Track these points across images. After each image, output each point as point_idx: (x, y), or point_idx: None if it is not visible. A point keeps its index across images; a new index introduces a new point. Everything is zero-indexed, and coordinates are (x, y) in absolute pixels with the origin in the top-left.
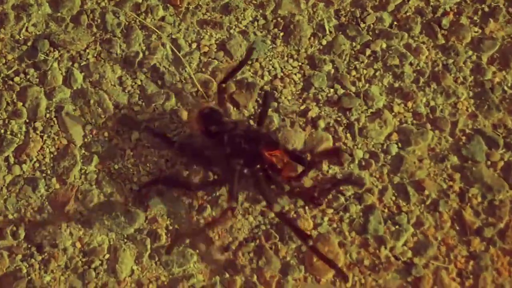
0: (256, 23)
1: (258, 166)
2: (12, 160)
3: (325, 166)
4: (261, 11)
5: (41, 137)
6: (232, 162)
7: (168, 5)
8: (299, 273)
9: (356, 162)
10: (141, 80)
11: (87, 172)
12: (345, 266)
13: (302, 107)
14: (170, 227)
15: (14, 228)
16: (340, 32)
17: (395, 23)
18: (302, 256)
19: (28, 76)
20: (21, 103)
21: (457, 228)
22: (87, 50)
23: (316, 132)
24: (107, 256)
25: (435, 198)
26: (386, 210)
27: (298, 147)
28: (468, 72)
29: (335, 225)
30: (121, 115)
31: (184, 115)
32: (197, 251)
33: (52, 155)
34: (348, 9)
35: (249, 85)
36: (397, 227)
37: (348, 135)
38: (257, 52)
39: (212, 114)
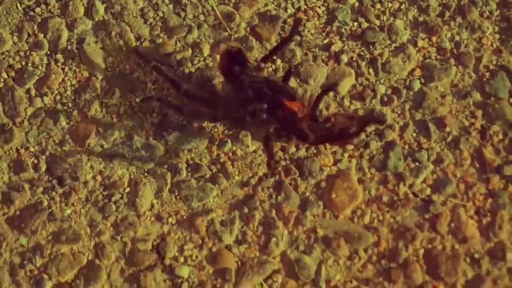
0: None
1: (280, 112)
2: (33, 92)
3: (346, 102)
4: None
5: (63, 69)
6: (253, 106)
7: None
8: (317, 209)
9: (378, 97)
10: (163, 12)
11: (108, 105)
12: (364, 203)
13: (325, 41)
14: (191, 162)
15: (36, 161)
16: None
17: None
18: (321, 192)
19: (49, 7)
20: (42, 35)
21: (477, 165)
22: None
23: (338, 67)
24: (127, 189)
25: (456, 135)
26: (406, 147)
27: (320, 82)
28: (494, 6)
29: (355, 161)
30: (140, 47)
31: (206, 48)
32: (217, 185)
33: (73, 88)
34: None
35: (272, 17)
36: (416, 164)
37: (371, 70)
38: None
39: (239, 55)
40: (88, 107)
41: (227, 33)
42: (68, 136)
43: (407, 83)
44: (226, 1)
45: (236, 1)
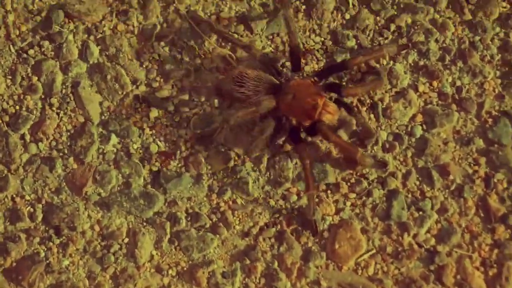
0: None
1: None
2: (28, 138)
3: None
4: None
5: (57, 114)
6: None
7: None
8: (320, 260)
9: (380, 144)
10: (158, 55)
11: (105, 151)
12: (367, 253)
13: None
14: (190, 210)
15: (32, 210)
16: (364, 6)
17: None
18: (324, 242)
19: (43, 49)
20: (36, 78)
21: (482, 215)
22: (103, 22)
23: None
24: (126, 240)
25: (459, 183)
26: (409, 195)
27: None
28: (495, 50)
29: (357, 211)
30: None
31: (204, 92)
32: (217, 235)
33: (69, 133)
34: None
35: (271, 59)
36: (420, 213)
37: (372, 115)
38: (278, 26)
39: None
40: (84, 154)
41: (223, 76)
42: (64, 184)
43: (409, 129)
44: (223, 44)
45: (233, 45)
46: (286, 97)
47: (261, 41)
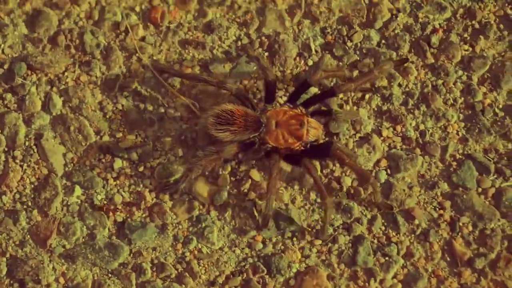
0: (239, 42)
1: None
2: None
3: (312, 195)
4: (244, 29)
5: (21, 166)
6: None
7: (149, 23)
8: None
9: (344, 190)
10: (122, 105)
11: (69, 203)
12: None
13: None
14: (155, 261)
15: None
16: (327, 52)
17: (383, 41)
18: None
19: (5, 102)
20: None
21: (448, 259)
22: (66, 73)
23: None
24: None
25: (425, 227)
26: (375, 241)
27: (288, 170)
28: (458, 94)
29: (323, 257)
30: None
31: (168, 142)
32: (183, 285)
33: (32, 186)
34: (334, 27)
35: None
36: (386, 258)
37: (336, 161)
38: (241, 73)
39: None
40: (48, 206)
41: (187, 125)
42: (28, 236)
43: (373, 174)
44: (186, 93)
45: (196, 92)
46: (270, 127)
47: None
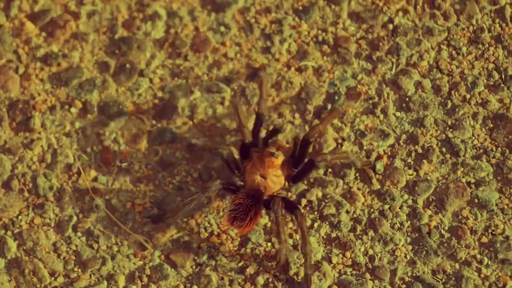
0: (189, 177)
1: None
2: None
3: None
4: (193, 165)
5: None
6: None
7: (101, 164)
8: None
9: None
10: (76, 245)
11: None
12: None
13: (240, 264)
14: None
15: None
16: None
17: (329, 169)
18: None
19: None
20: None
21: None
22: (20, 217)
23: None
24: None
25: None
26: None
27: None
28: (404, 217)
29: None
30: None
31: (121, 279)
32: None
33: None
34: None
35: (186, 244)
36: None
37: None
38: (193, 209)
39: None
40: None
41: (142, 262)
42: None
43: None
44: (139, 230)
45: (149, 229)
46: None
47: (176, 225)
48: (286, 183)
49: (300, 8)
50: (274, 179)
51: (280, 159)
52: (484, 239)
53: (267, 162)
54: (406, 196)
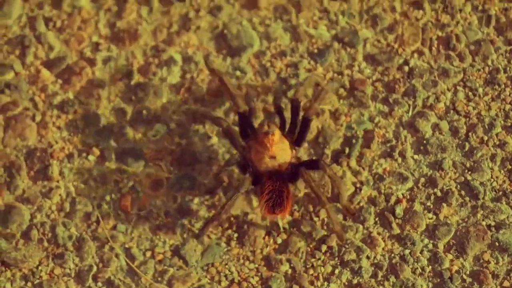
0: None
1: None
2: None
3: None
4: (213, 211)
5: None
6: None
7: (119, 212)
8: None
9: None
10: None
11: None
12: None
13: None
14: None
15: None
16: (295, 228)
17: (348, 217)
18: None
19: None
20: None
21: None
22: (40, 267)
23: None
24: None
25: None
26: None
27: None
28: (425, 262)
29: None
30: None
31: None
32: None
33: None
34: (300, 203)
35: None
36: None
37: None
38: (212, 256)
39: None
40: None
41: None
42: None
43: None
44: (159, 279)
45: (169, 278)
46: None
47: (197, 273)
48: (293, 151)
49: (315, 51)
50: (281, 153)
51: (277, 132)
52: (506, 283)
53: (267, 142)
54: (426, 241)
